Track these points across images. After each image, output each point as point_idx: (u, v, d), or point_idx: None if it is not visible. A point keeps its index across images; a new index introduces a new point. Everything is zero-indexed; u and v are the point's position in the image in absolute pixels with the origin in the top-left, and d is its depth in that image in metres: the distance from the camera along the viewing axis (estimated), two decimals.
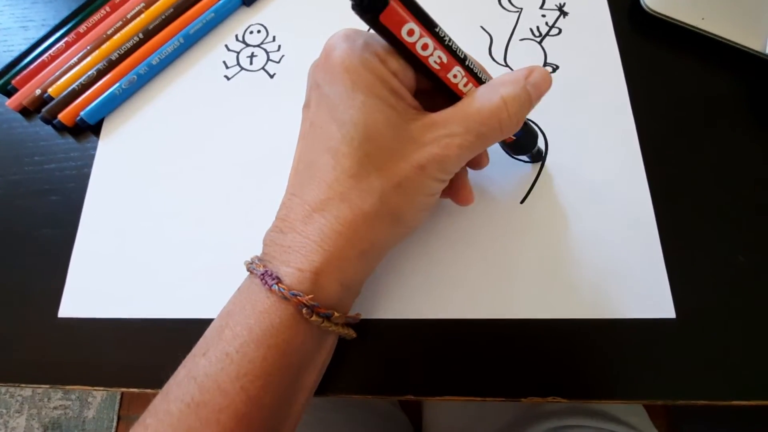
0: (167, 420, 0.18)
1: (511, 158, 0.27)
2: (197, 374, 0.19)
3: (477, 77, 0.20)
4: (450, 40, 0.19)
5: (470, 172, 0.24)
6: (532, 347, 0.23)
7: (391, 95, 0.19)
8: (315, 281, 0.19)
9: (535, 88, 0.20)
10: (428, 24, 0.18)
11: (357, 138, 0.19)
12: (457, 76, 0.19)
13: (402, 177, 0.19)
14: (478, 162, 0.24)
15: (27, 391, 0.97)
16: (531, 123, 0.23)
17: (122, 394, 0.96)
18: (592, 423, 0.34)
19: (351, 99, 0.19)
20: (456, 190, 0.23)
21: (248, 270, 0.21)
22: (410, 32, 0.17)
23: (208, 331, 0.20)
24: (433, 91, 0.20)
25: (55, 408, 0.95)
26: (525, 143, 0.24)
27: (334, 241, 0.19)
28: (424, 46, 0.18)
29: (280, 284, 0.19)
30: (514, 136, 0.22)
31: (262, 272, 0.19)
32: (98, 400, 0.95)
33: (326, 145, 0.19)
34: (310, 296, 0.18)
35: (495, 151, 0.27)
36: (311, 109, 0.21)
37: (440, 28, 0.18)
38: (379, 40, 0.19)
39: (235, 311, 0.20)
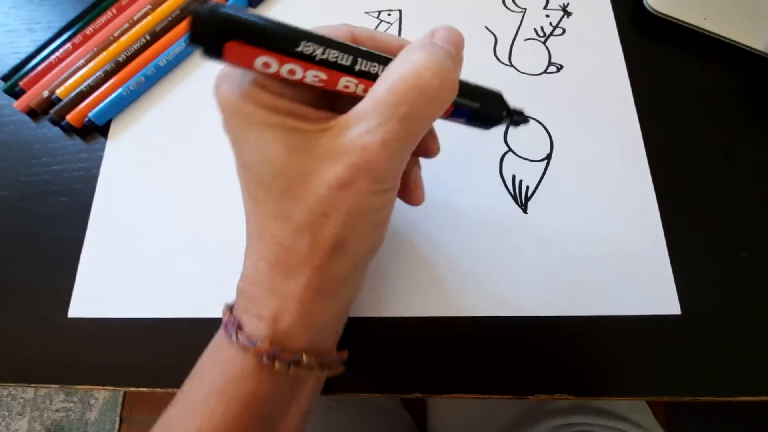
0: None
1: (517, 158, 0.27)
2: (169, 424, 0.19)
3: (376, 77, 0.16)
4: (325, 51, 0.16)
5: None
6: (538, 345, 0.24)
7: (286, 118, 0.16)
8: (275, 327, 0.18)
9: (446, 42, 0.17)
10: (289, 45, 0.15)
11: (265, 179, 0.17)
12: (349, 86, 0.17)
13: (325, 204, 0.16)
14: (426, 150, 0.21)
15: (29, 393, 0.97)
16: (485, 87, 0.19)
17: (124, 396, 0.95)
18: (597, 420, 0.34)
19: (245, 141, 0.17)
20: (408, 191, 0.21)
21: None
22: (266, 65, 0.15)
23: (186, 379, 0.20)
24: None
25: (57, 410, 0.95)
26: (487, 111, 0.19)
27: (283, 285, 0.18)
28: (291, 72, 0.16)
29: (239, 332, 0.18)
30: (472, 106, 0.19)
31: (226, 320, 0.19)
32: (100, 402, 0.95)
33: (247, 192, 0.18)
34: (269, 343, 0.17)
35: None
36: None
37: (307, 43, 0.15)
38: None
39: (206, 360, 0.19)
